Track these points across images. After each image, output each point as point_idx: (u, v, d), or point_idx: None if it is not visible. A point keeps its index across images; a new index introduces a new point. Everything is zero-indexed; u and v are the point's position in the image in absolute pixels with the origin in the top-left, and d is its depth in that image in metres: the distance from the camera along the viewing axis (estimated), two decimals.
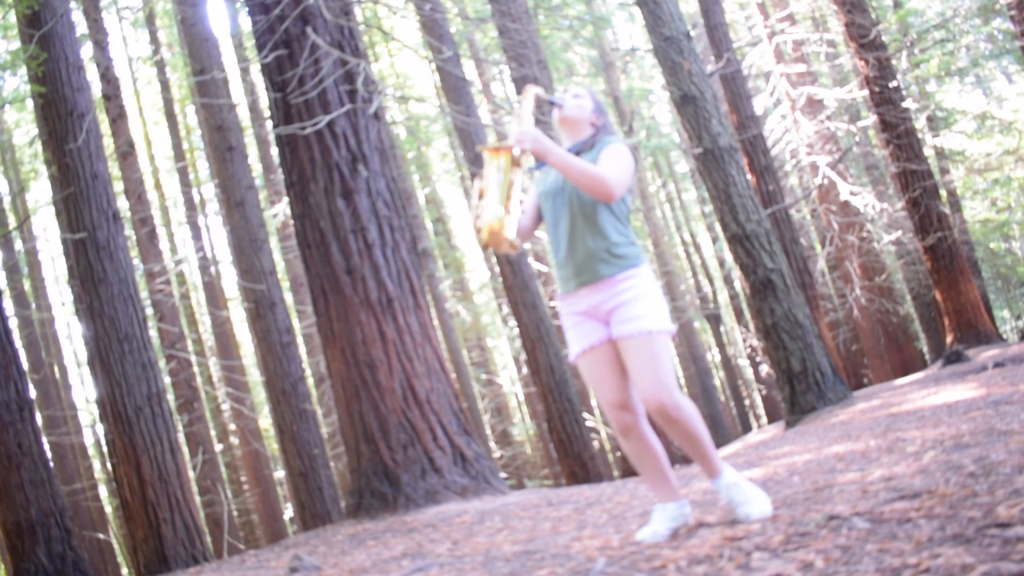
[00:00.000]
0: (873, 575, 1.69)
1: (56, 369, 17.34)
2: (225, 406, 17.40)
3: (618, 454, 16.93)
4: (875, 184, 17.62)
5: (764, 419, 21.39)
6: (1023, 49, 12.41)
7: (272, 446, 18.76)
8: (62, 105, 7.65)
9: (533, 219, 2.88)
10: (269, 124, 10.08)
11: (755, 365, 19.61)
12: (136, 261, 13.59)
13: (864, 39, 12.51)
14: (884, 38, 13.35)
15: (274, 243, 15.96)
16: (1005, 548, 1.69)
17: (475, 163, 12.23)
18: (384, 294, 5.80)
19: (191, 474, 12.68)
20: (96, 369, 7.56)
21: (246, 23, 13.15)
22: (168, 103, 16.55)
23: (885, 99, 12.50)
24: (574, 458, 11.58)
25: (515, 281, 12.16)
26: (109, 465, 11.66)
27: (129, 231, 13.65)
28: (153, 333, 13.27)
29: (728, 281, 21.03)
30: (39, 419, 10.23)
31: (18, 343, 12.83)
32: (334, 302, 5.84)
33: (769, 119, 16.07)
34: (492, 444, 20.16)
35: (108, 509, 17.94)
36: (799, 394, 8.53)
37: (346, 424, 5.85)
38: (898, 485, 2.72)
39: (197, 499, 12.51)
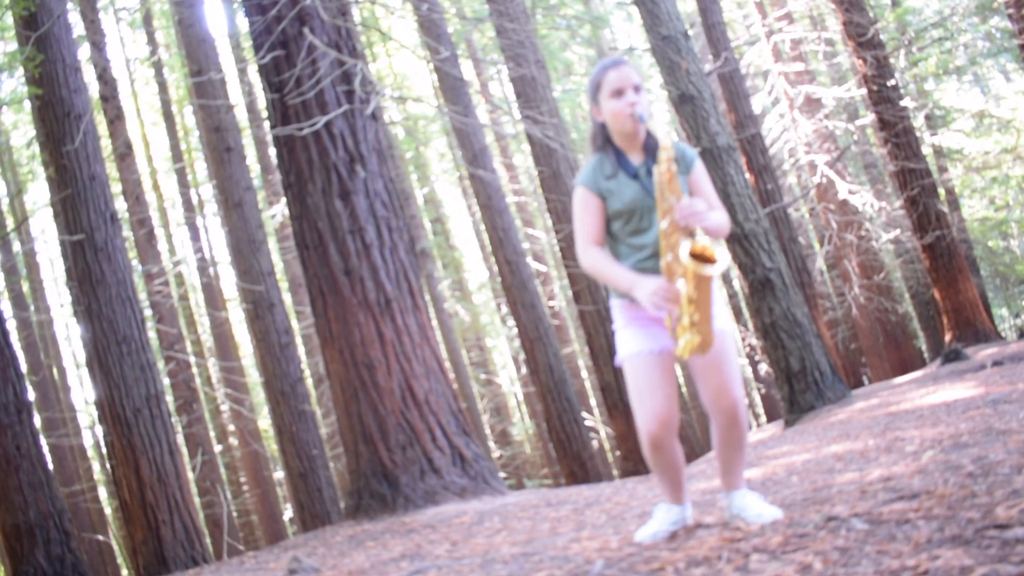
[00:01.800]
0: None
1: (55, 371, 17.33)
2: (224, 407, 17.40)
3: (617, 454, 16.93)
4: (873, 183, 17.62)
5: (763, 418, 21.40)
6: (1021, 47, 12.41)
7: (271, 447, 18.76)
8: (59, 106, 7.64)
9: (604, 235, 2.66)
10: (267, 125, 10.09)
11: (754, 364, 19.61)
12: (134, 262, 13.58)
13: (862, 38, 12.51)
14: (882, 36, 13.35)
15: (272, 244, 15.95)
16: (1004, 550, 1.68)
17: (473, 163, 12.22)
18: (382, 295, 5.80)
19: (190, 475, 12.67)
20: (95, 371, 7.56)
21: (243, 24, 13.14)
22: (166, 104, 16.54)
23: (883, 98, 12.50)
24: (573, 458, 11.59)
25: (514, 281, 12.16)
26: (108, 467, 11.66)
27: (127, 232, 13.64)
28: (152, 334, 13.26)
29: (727, 280, 21.03)
30: (38, 421, 10.22)
31: (16, 345, 12.82)
32: (332, 303, 5.84)
33: (767, 118, 16.07)
34: (491, 444, 20.15)
35: (107, 511, 17.94)
36: (798, 393, 8.53)
37: (345, 425, 5.85)
38: (897, 485, 2.72)
39: (196, 500, 12.51)
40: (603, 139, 2.67)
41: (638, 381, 2.57)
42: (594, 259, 2.61)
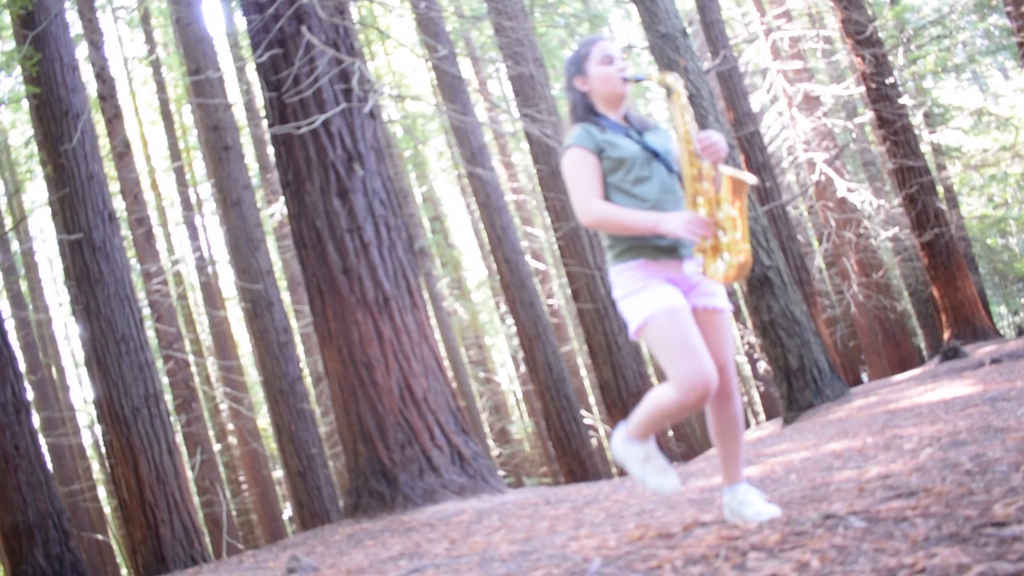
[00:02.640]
0: (869, 575, 1.69)
1: (54, 370, 17.32)
2: (223, 406, 17.39)
3: None
4: (872, 180, 17.62)
5: (762, 416, 21.41)
6: (1019, 45, 12.41)
7: (270, 446, 18.76)
8: (57, 106, 7.64)
9: (603, 193, 2.59)
10: (265, 123, 10.10)
11: (753, 362, 19.62)
12: (133, 261, 13.58)
13: (860, 35, 12.50)
14: (880, 34, 13.35)
15: (271, 242, 15.94)
16: (1001, 547, 1.68)
17: (472, 162, 12.21)
18: (381, 293, 5.79)
19: (189, 474, 12.67)
20: (93, 370, 7.55)
21: (241, 22, 13.13)
22: (164, 103, 16.53)
23: (882, 95, 12.50)
24: (572, 456, 11.59)
25: (512, 279, 12.16)
26: (107, 466, 11.65)
27: (126, 231, 13.63)
28: (150, 333, 13.26)
29: None
30: (36, 420, 10.21)
31: (15, 344, 12.82)
32: (331, 302, 5.83)
33: (766, 116, 16.07)
34: (490, 442, 20.16)
35: (107, 510, 17.93)
36: (796, 391, 8.53)
37: (343, 424, 5.85)
38: (895, 483, 2.72)
39: (195, 499, 12.51)
40: (584, 109, 2.68)
41: (676, 335, 2.43)
42: (604, 208, 2.53)
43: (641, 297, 2.52)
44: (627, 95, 2.67)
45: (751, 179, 2.49)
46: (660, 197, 2.57)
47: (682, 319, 2.47)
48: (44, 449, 7.40)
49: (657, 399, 2.52)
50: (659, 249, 2.54)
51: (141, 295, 13.29)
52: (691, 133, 2.55)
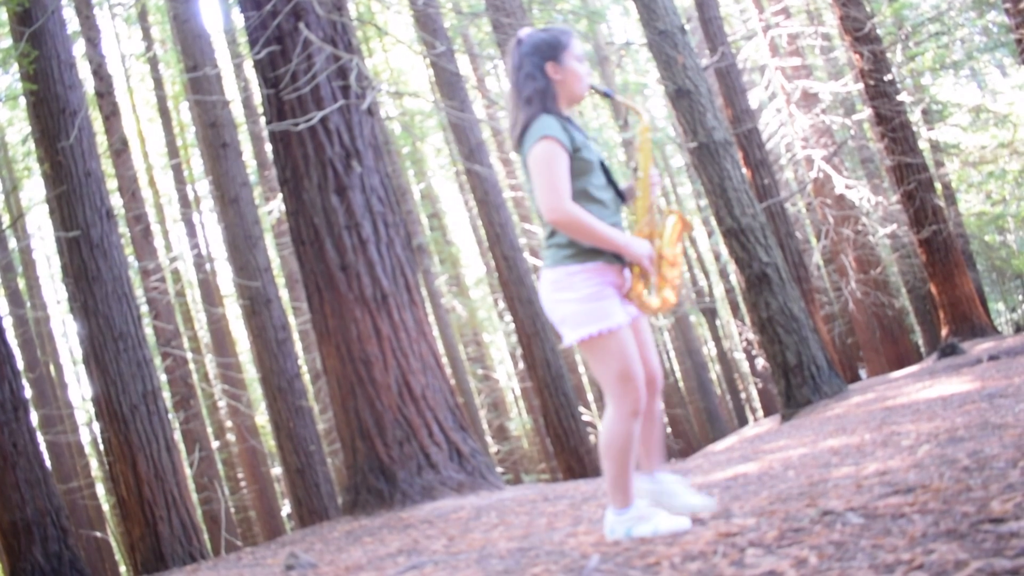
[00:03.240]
0: (866, 571, 1.69)
1: (51, 368, 17.32)
2: (221, 403, 17.39)
3: None
4: (870, 177, 17.63)
5: (760, 412, 21.44)
6: (1017, 42, 12.41)
7: (269, 443, 18.76)
8: (54, 103, 7.62)
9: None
10: (263, 120, 10.08)
11: (751, 359, 19.64)
12: (131, 258, 13.56)
13: (859, 32, 12.50)
14: (879, 31, 13.34)
15: (269, 240, 15.93)
16: (999, 544, 1.69)
17: (470, 159, 12.20)
18: (379, 290, 5.79)
19: (188, 471, 12.66)
20: (91, 367, 7.55)
21: (239, 19, 13.10)
22: (161, 100, 16.51)
23: (880, 92, 12.50)
24: (570, 453, 11.60)
25: (510, 276, 12.16)
26: (106, 463, 11.64)
27: (123, 229, 13.62)
28: (148, 331, 13.23)
29: (724, 275, 21.05)
30: (35, 418, 10.21)
31: (13, 342, 12.79)
32: (329, 299, 5.83)
33: (764, 113, 16.07)
34: (489, 439, 20.17)
35: (105, 507, 17.93)
36: (794, 388, 8.54)
37: (342, 421, 5.85)
38: (892, 480, 2.72)
39: (194, 496, 12.51)
40: (552, 100, 2.55)
41: (631, 350, 2.51)
42: (579, 212, 2.45)
43: (601, 306, 2.48)
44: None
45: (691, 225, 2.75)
46: (615, 210, 2.61)
47: (630, 337, 2.54)
48: (42, 447, 7.41)
49: (610, 441, 2.53)
50: (612, 254, 2.57)
51: (139, 292, 13.28)
52: (650, 166, 2.64)
